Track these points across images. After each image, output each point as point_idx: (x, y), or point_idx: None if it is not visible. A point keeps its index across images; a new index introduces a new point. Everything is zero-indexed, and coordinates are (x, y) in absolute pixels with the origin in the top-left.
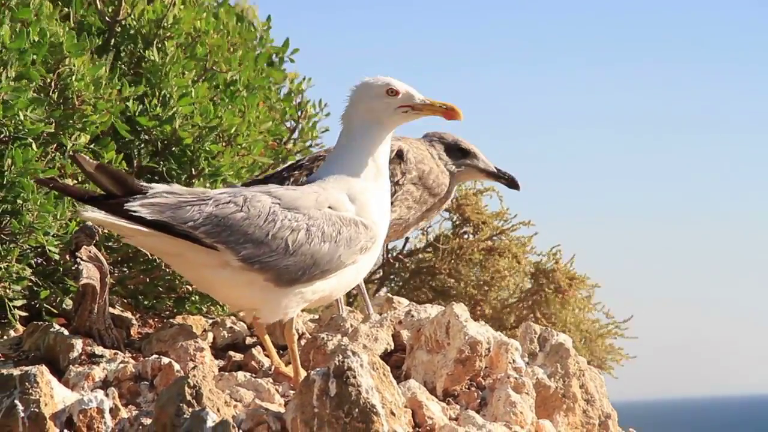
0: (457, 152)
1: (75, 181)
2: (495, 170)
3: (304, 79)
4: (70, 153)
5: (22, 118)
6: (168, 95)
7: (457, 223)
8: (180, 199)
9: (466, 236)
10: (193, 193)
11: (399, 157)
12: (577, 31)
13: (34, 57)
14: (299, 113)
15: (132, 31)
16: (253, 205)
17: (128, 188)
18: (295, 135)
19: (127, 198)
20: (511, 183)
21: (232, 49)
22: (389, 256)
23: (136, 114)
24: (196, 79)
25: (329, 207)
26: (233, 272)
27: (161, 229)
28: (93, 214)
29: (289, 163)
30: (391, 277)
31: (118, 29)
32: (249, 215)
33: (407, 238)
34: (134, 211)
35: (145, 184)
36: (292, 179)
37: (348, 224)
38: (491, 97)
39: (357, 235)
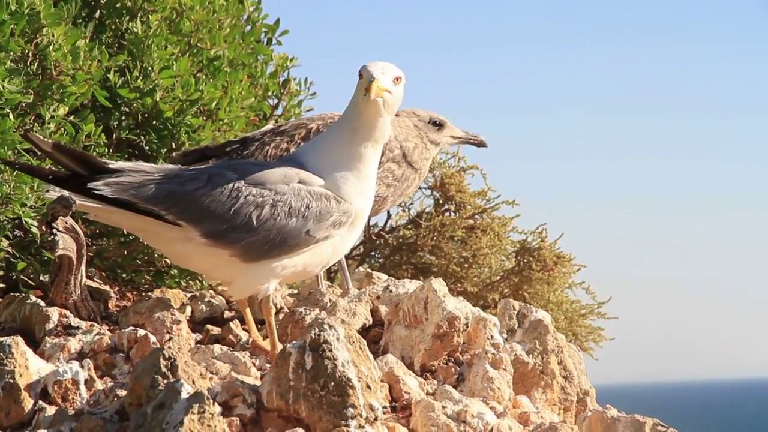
0: (433, 126)
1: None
2: (465, 135)
3: (291, 59)
4: (23, 131)
5: (0, 89)
6: (149, 67)
7: (440, 201)
8: (144, 177)
9: (447, 214)
10: (159, 170)
11: None
12: (565, 10)
13: (13, 27)
14: (282, 90)
15: (117, 4)
16: (216, 182)
17: (91, 166)
18: (278, 112)
19: (91, 177)
20: (480, 143)
21: (218, 26)
22: (371, 232)
23: (117, 86)
24: (179, 54)
25: (300, 182)
26: (198, 247)
27: (124, 207)
28: (57, 194)
29: (269, 126)
30: (372, 253)
31: (103, 1)
32: (212, 192)
33: (389, 215)
34: (98, 190)
35: (108, 161)
36: (272, 144)
37: (318, 198)
38: (481, 77)
39: (328, 209)
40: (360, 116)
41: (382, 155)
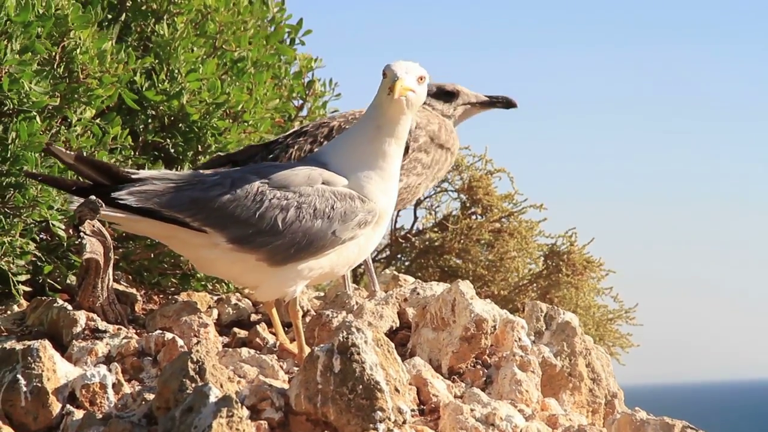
0: (444, 96)
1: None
2: (487, 98)
3: (315, 59)
4: (46, 143)
5: (27, 90)
6: (176, 70)
7: (467, 204)
8: (168, 184)
9: (474, 217)
10: (182, 177)
11: None
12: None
13: (40, 30)
14: (307, 91)
15: (143, 7)
16: (240, 186)
17: (114, 176)
18: (303, 113)
19: (115, 186)
20: (508, 104)
21: (243, 27)
22: (397, 235)
23: (144, 89)
24: (205, 56)
25: (324, 183)
26: (225, 252)
27: (149, 215)
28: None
29: (293, 129)
30: (399, 256)
31: (129, 4)
32: (236, 196)
33: (415, 217)
34: (122, 200)
35: (131, 170)
36: (296, 146)
37: (342, 198)
38: (509, 77)
39: (353, 209)
40: (384, 114)
41: (407, 148)
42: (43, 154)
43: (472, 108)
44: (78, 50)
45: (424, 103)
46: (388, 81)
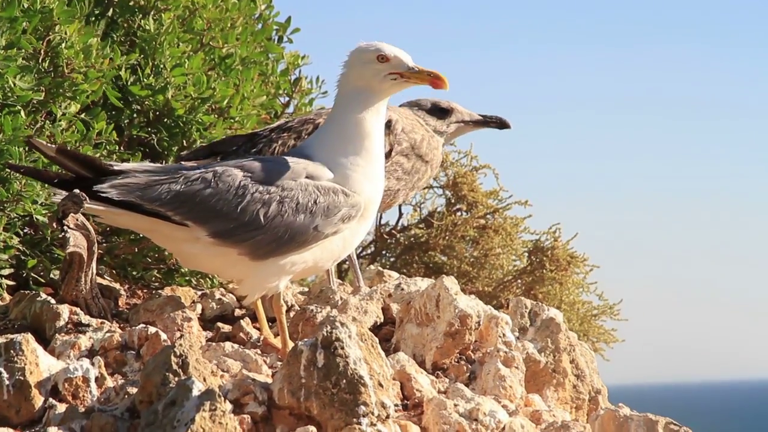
0: (438, 113)
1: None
2: (481, 118)
3: (302, 56)
4: (28, 136)
5: (12, 85)
6: (161, 65)
7: (452, 200)
8: (150, 177)
9: (459, 213)
10: (165, 170)
11: (387, 127)
12: (580, 11)
13: (26, 25)
14: (294, 88)
15: (130, 2)
16: (222, 180)
17: (96, 169)
18: (290, 110)
19: (97, 179)
20: (501, 124)
21: (230, 24)
22: (382, 231)
23: (129, 83)
24: (191, 52)
25: (308, 176)
26: (206, 247)
27: (131, 209)
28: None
29: (277, 123)
30: (383, 252)
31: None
32: (218, 190)
33: (400, 214)
34: (103, 193)
35: (114, 163)
36: (280, 141)
37: (326, 193)
38: (494, 76)
39: (336, 203)
40: (375, 96)
41: (391, 149)
42: (26, 148)
43: (465, 126)
44: (63, 45)
45: (418, 117)
46: (391, 66)
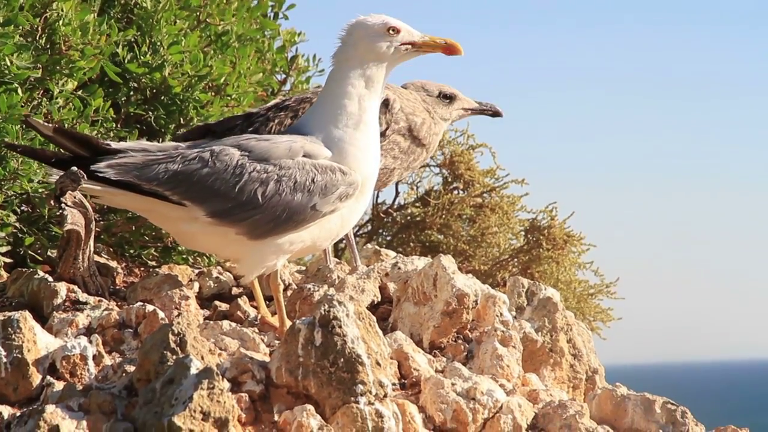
0: (444, 99)
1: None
2: (477, 105)
3: (298, 33)
4: (26, 114)
5: (8, 63)
6: (158, 43)
7: (449, 179)
8: (148, 157)
9: (456, 192)
10: (163, 149)
11: (384, 105)
12: None
13: (23, 2)
14: (291, 66)
15: None
16: (220, 159)
17: (94, 148)
18: (287, 87)
19: (94, 158)
20: (495, 113)
21: (226, 1)
22: (378, 210)
23: (126, 61)
24: (188, 30)
25: (305, 155)
26: (204, 226)
27: (128, 189)
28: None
29: (274, 102)
30: (380, 231)
31: None
32: (215, 170)
33: (397, 192)
34: (101, 172)
35: (111, 142)
36: (276, 120)
37: (323, 171)
38: (491, 56)
39: (334, 182)
40: (383, 68)
41: (387, 127)
42: (23, 126)
43: (464, 112)
44: (60, 22)
45: (425, 102)
46: (401, 36)
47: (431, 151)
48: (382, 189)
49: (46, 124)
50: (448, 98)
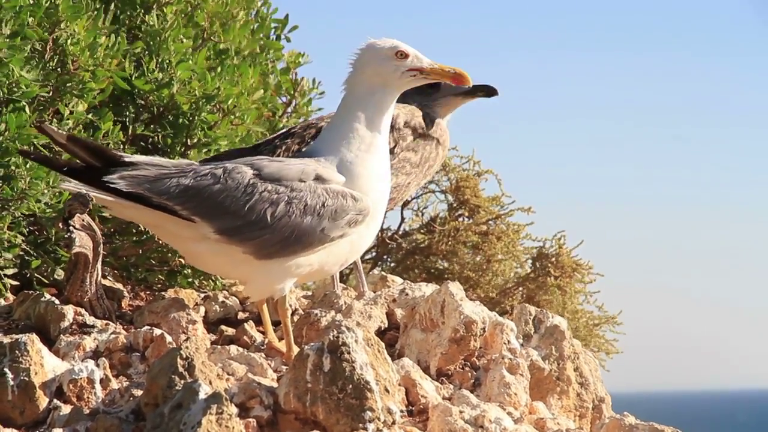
0: (427, 89)
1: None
2: (470, 88)
3: (301, 54)
4: (38, 122)
5: (17, 76)
6: (166, 61)
7: (454, 205)
8: (160, 171)
9: (461, 219)
10: (176, 165)
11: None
12: (585, 19)
13: (31, 21)
14: (295, 88)
15: None
16: (232, 177)
17: (107, 159)
18: (290, 110)
19: (106, 169)
20: (489, 92)
21: (231, 16)
22: (384, 236)
23: (133, 77)
24: (194, 47)
25: (317, 178)
26: (212, 244)
27: (139, 201)
28: (71, 186)
29: (282, 131)
30: (385, 257)
31: None
32: (226, 187)
33: (402, 219)
34: (112, 183)
35: (124, 154)
36: (284, 147)
37: (335, 196)
38: (497, 82)
39: (344, 207)
40: (389, 93)
41: (396, 145)
42: (32, 146)
43: (455, 98)
44: (69, 41)
45: (405, 99)
46: (409, 62)
47: (446, 145)
48: (399, 204)
49: (59, 131)
50: (431, 88)
